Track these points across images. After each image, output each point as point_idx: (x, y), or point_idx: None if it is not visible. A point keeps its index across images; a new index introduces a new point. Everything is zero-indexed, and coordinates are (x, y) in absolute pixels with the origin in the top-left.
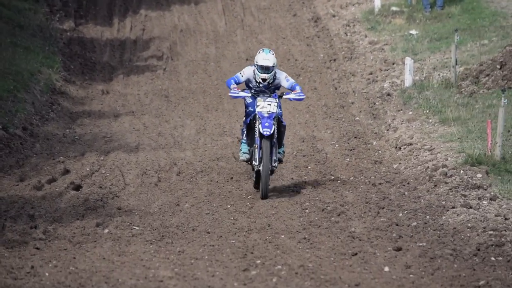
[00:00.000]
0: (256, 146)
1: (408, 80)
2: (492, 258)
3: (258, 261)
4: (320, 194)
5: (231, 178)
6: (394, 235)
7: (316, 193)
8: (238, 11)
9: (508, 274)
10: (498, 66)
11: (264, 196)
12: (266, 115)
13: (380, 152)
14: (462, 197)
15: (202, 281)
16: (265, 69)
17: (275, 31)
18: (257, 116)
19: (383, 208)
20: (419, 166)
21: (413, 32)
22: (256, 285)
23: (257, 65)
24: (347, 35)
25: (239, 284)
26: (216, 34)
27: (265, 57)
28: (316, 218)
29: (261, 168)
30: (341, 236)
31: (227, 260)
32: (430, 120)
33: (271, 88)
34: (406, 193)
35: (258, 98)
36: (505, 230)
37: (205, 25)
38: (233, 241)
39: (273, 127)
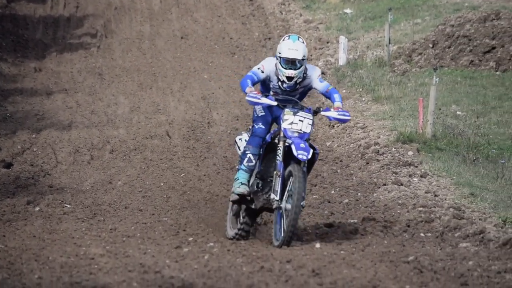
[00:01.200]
0: (278, 174)
1: (342, 59)
2: (422, 234)
3: (191, 239)
4: None
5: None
6: (326, 212)
7: None
8: None
9: (436, 250)
10: (431, 45)
11: (287, 243)
12: (296, 135)
13: (313, 130)
14: (393, 174)
15: (133, 258)
16: (292, 63)
17: (210, 9)
18: (281, 135)
19: (315, 186)
20: (352, 144)
21: (348, 11)
22: (188, 262)
23: (280, 57)
24: (282, 13)
25: (171, 261)
26: (151, 12)
27: (292, 46)
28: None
29: (283, 204)
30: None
31: (159, 238)
32: (363, 99)
33: (298, 91)
34: (338, 170)
35: (286, 110)
36: (434, 207)
37: (139, 3)
38: (166, 219)
39: (310, 150)
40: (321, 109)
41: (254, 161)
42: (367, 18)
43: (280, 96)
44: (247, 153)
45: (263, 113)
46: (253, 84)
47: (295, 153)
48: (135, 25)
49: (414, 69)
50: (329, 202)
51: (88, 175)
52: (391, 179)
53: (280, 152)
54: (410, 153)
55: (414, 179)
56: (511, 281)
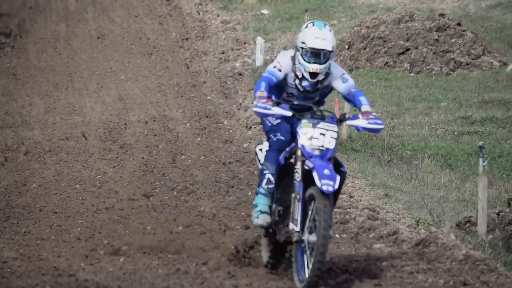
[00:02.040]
0: (298, 197)
1: (259, 60)
2: (337, 235)
3: (106, 241)
4: (170, 173)
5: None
6: (243, 213)
7: (167, 173)
8: None
9: (351, 251)
10: (346, 46)
11: (315, 285)
12: (316, 153)
13: (231, 131)
14: None
15: (47, 261)
16: (316, 56)
17: (127, 9)
18: (299, 153)
19: (232, 187)
20: None
21: (265, 11)
22: (103, 265)
23: (303, 48)
24: (199, 14)
25: (85, 264)
26: (66, 11)
27: (319, 35)
28: (166, 198)
29: (305, 236)
30: (190, 215)
31: (74, 240)
32: None
33: (318, 92)
34: (255, 172)
35: (304, 121)
36: (350, 208)
37: (55, 2)
38: (81, 221)
39: (337, 177)
40: (347, 116)
41: (275, 182)
42: (283, 19)
43: (296, 100)
44: (266, 173)
45: (279, 121)
46: (270, 88)
47: (318, 183)
48: (51, 25)
49: None
50: (245, 203)
51: (1, 177)
52: None
53: (298, 175)
54: None
55: None
56: (423, 281)
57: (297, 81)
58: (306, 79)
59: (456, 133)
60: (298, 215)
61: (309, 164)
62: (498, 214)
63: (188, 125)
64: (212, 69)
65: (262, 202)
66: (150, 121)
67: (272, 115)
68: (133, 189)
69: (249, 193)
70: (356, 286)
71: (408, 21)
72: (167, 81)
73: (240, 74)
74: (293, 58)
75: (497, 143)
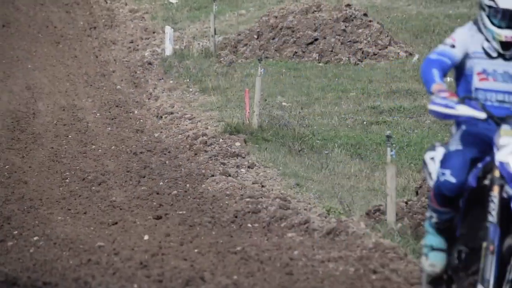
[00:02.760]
0: (492, 249)
1: (168, 49)
2: (249, 225)
3: (16, 232)
4: (81, 163)
5: None
6: (155, 203)
7: (77, 163)
8: None
9: (263, 240)
10: (255, 36)
11: None
12: None
13: (141, 121)
14: (221, 165)
15: None
16: (511, 18)
17: None
18: (496, 174)
19: (144, 177)
20: (180, 135)
21: (173, 1)
22: (13, 256)
23: (491, 7)
24: (107, 2)
25: None
26: None
27: None
28: (77, 188)
29: None
30: (101, 205)
31: None
32: (191, 89)
33: None
34: (167, 161)
35: (504, 129)
36: (261, 197)
37: None
38: None
39: None
40: None
41: (450, 213)
42: (192, 9)
43: (496, 81)
44: (431, 216)
45: (459, 146)
46: (445, 74)
47: None
48: None
49: (240, 60)
50: (157, 193)
51: None
52: (219, 170)
53: (494, 206)
54: (238, 144)
55: (242, 170)
56: (334, 269)
57: (485, 44)
58: (498, 51)
59: (365, 122)
60: (490, 274)
61: (509, 190)
62: (406, 203)
63: (98, 114)
64: (121, 58)
65: (435, 241)
66: (59, 111)
67: (456, 117)
68: (43, 180)
69: (161, 183)
70: (268, 275)
71: (315, 11)
72: (75, 70)
73: (150, 63)
74: (476, 22)
75: (405, 132)
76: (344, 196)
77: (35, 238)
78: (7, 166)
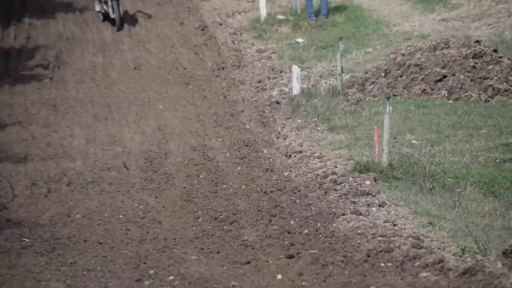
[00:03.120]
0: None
1: (296, 88)
2: (382, 264)
3: (151, 271)
4: (212, 203)
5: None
6: (286, 242)
7: (209, 202)
8: (124, 19)
9: (397, 279)
10: (383, 74)
11: None
12: None
13: (271, 160)
14: (352, 204)
15: None
16: None
17: (162, 40)
18: None
19: (275, 216)
20: (310, 174)
21: (299, 40)
22: None
23: None
24: (234, 43)
25: None
26: (103, 42)
27: None
28: (209, 227)
29: None
30: (234, 244)
31: (120, 271)
32: (319, 128)
33: None
34: (297, 200)
35: None
36: (394, 236)
37: (91, 34)
38: (126, 252)
39: None
40: None
41: None
42: (319, 48)
43: None
44: None
45: None
46: None
47: None
48: (88, 56)
49: (368, 98)
50: (289, 232)
51: (46, 208)
52: (349, 208)
53: None
54: (368, 182)
55: (373, 208)
56: None
57: None
58: None
59: (498, 160)
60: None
61: None
62: None
63: (228, 154)
64: (249, 98)
65: None
66: (190, 151)
67: None
68: (176, 219)
69: (292, 222)
70: None
71: (443, 48)
72: (205, 111)
73: (278, 102)
74: None
75: None
76: (478, 235)
77: (171, 277)
78: (141, 206)
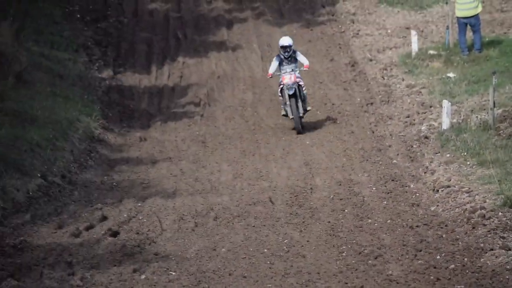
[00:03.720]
0: (288, 104)
1: (445, 123)
2: None
3: None
4: (357, 237)
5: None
6: (432, 277)
7: (353, 236)
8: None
9: None
10: None
11: None
12: None
13: (417, 194)
14: (501, 239)
15: None
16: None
17: (312, 76)
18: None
19: (420, 251)
20: (457, 209)
21: (451, 75)
22: None
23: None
24: (384, 78)
25: None
26: (253, 79)
27: None
28: (353, 262)
29: None
30: (378, 279)
31: None
32: (468, 163)
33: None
34: (444, 235)
35: (284, 74)
36: None
37: (242, 71)
38: (270, 285)
39: None
40: None
41: None
42: (470, 82)
43: None
44: None
45: None
46: None
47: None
48: (238, 93)
49: None
50: (435, 267)
51: (192, 242)
52: (498, 243)
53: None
54: None
55: None
56: None
57: None
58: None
59: None
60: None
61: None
62: None
63: (374, 188)
64: (397, 133)
65: None
66: (335, 185)
67: None
68: (320, 253)
69: (438, 257)
70: None
71: None
72: (352, 146)
73: (426, 137)
74: None
75: None
76: None
77: None
78: (285, 240)
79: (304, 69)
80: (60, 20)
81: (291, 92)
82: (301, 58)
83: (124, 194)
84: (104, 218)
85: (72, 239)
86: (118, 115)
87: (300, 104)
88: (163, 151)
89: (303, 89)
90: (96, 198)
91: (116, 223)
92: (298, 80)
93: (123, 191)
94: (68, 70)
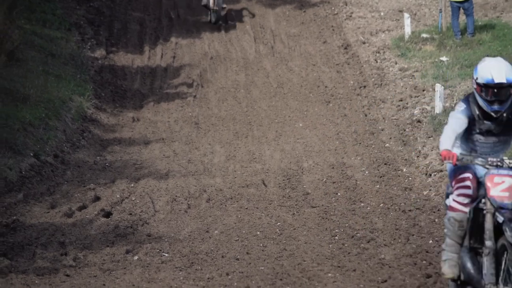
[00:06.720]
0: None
1: (438, 107)
2: None
3: None
4: (349, 221)
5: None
6: (424, 262)
7: (346, 220)
8: (268, 38)
9: None
10: None
11: None
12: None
13: (410, 178)
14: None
15: None
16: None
17: (305, 58)
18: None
19: (413, 235)
20: None
21: (444, 58)
22: None
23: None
24: (377, 61)
25: None
26: (246, 61)
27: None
28: (346, 245)
29: None
30: (370, 263)
31: (256, 287)
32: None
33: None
34: (436, 220)
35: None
36: None
37: (235, 52)
38: (262, 268)
39: None
40: None
41: None
42: (463, 66)
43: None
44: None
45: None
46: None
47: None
48: (231, 74)
49: None
50: (427, 252)
51: (185, 224)
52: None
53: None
54: None
55: None
56: None
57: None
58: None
59: None
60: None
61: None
62: None
63: (367, 172)
64: (390, 116)
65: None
66: (328, 169)
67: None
68: (312, 236)
69: (430, 241)
70: None
71: None
72: (345, 129)
73: (419, 121)
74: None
75: None
76: None
77: None
78: (278, 223)
79: None
80: None
81: None
82: None
83: (117, 174)
84: (97, 199)
85: (65, 219)
86: (111, 95)
87: None
88: (156, 132)
89: None
90: (88, 178)
91: (109, 203)
92: None
93: (116, 172)
94: (61, 49)
